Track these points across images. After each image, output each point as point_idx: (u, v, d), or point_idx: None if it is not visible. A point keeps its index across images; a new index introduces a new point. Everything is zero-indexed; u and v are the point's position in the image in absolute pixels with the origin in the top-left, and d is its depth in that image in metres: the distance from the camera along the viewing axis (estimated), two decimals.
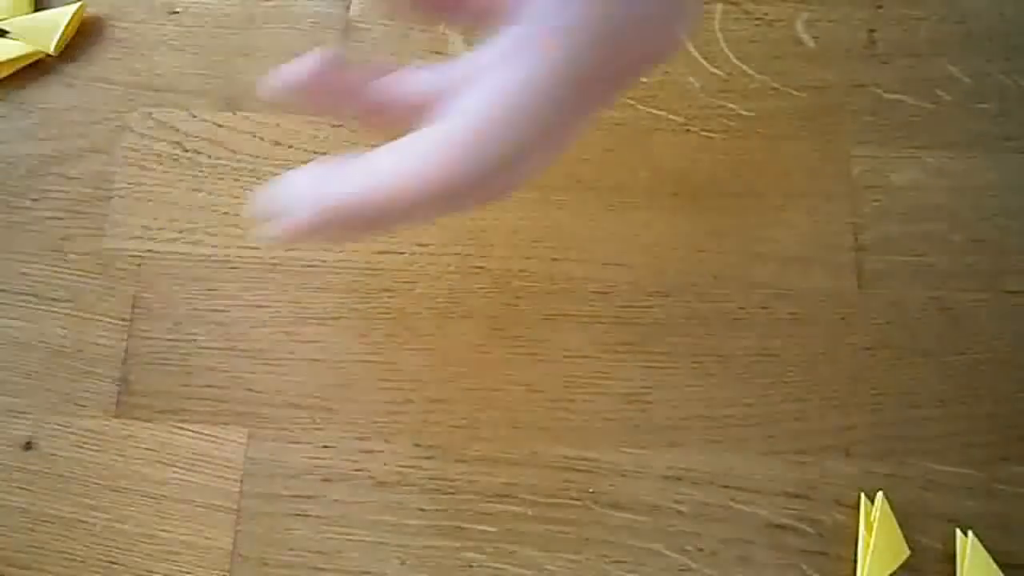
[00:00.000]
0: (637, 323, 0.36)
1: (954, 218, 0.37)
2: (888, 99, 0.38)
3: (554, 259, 0.37)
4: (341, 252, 0.37)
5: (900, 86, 0.38)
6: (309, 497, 0.34)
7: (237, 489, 0.34)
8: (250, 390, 0.36)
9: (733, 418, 0.35)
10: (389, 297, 0.36)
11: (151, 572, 0.34)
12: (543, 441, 0.35)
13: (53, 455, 0.35)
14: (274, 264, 0.37)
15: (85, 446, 0.35)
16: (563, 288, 0.36)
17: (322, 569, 0.33)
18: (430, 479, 0.34)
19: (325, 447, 0.35)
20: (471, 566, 0.33)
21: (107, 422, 0.35)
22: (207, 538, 0.34)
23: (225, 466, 0.35)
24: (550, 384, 0.35)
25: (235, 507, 0.34)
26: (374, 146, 0.23)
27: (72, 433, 0.35)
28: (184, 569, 0.34)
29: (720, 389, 0.35)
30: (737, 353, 0.35)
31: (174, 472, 0.35)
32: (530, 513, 0.34)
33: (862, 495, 0.33)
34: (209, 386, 0.36)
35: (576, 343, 0.36)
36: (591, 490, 0.34)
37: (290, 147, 0.38)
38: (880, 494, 0.33)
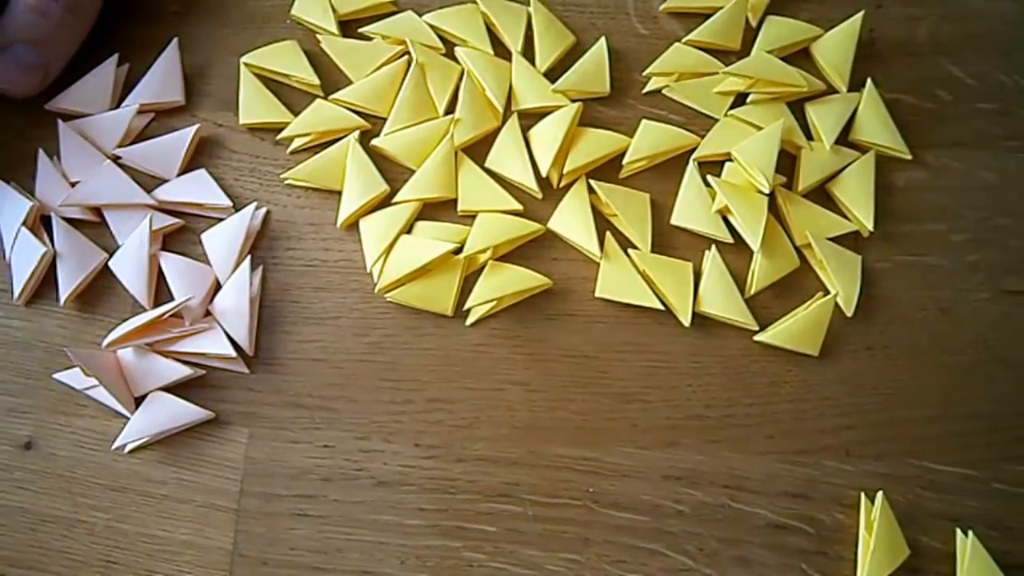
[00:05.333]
0: (637, 323, 0.36)
1: (954, 218, 0.37)
2: (888, 99, 0.38)
3: (554, 259, 0.37)
4: (341, 252, 0.37)
5: (900, 86, 0.38)
6: (309, 497, 0.34)
7: (237, 489, 0.34)
8: (250, 390, 0.36)
9: (733, 418, 0.35)
10: (389, 297, 0.36)
11: (151, 572, 0.34)
12: (543, 441, 0.35)
13: (53, 455, 0.35)
14: (274, 264, 0.37)
15: (85, 446, 0.35)
16: (563, 288, 0.36)
17: (322, 569, 0.33)
18: (430, 479, 0.34)
19: (325, 447, 0.35)
20: (471, 566, 0.33)
21: (107, 422, 0.35)
22: (207, 538, 0.34)
23: (225, 466, 0.35)
24: (550, 384, 0.35)
25: (235, 507, 0.34)
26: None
27: (72, 433, 0.35)
28: (184, 569, 0.34)
29: (720, 389, 0.35)
30: (737, 353, 0.35)
31: (174, 472, 0.35)
32: (530, 513, 0.34)
33: (862, 495, 0.33)
34: (210, 386, 0.36)
35: (576, 343, 0.36)
36: (591, 490, 0.34)
37: (290, 147, 0.38)
38: (880, 494, 0.33)
